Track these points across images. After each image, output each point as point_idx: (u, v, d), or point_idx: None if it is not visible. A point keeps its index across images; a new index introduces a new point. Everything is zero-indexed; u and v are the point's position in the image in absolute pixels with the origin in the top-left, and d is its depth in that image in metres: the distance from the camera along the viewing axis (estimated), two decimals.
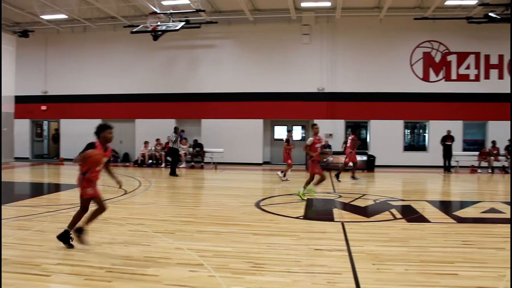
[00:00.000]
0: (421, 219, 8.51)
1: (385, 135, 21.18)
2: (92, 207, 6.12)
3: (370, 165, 19.23)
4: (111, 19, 21.12)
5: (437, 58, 21.36)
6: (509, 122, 20.86)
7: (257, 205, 9.88)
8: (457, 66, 21.34)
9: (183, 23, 18.51)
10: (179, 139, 16.61)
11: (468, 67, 21.32)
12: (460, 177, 17.38)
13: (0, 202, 8.26)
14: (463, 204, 10.61)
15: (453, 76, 21.36)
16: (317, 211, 9.95)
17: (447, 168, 18.96)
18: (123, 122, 22.71)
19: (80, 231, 5.94)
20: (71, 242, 6.01)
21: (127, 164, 21.57)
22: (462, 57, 21.30)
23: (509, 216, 8.87)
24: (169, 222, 7.99)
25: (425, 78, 21.35)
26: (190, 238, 6.78)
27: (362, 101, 21.31)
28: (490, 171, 19.19)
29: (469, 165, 19.80)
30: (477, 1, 18.17)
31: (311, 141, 10.76)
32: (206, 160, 20.68)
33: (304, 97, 21.48)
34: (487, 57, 21.27)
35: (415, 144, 22.51)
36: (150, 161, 20.66)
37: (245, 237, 6.81)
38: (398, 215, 8.83)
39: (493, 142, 20.02)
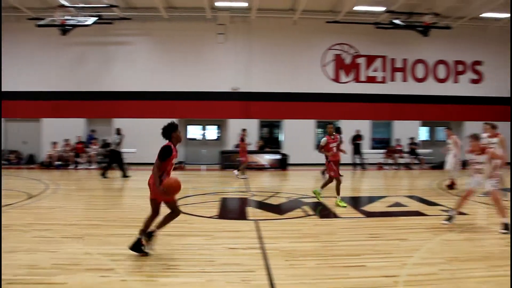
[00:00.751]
0: (332, 215, 8.81)
1: (298, 134, 21.74)
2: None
3: (283, 164, 19.62)
4: (14, 10, 19.61)
5: (348, 60, 22.28)
6: (411, 121, 22.36)
7: None
8: (366, 68, 22.42)
9: (94, 19, 17.75)
10: (119, 141, 15.59)
11: (376, 70, 22.49)
12: (368, 174, 18.25)
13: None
14: (371, 199, 11.11)
15: (362, 77, 22.41)
16: (231, 210, 9.96)
17: (357, 165, 19.87)
18: (28, 121, 21.31)
19: (150, 236, 5.73)
20: (144, 250, 5.71)
21: (32, 166, 20.12)
22: (370, 60, 22.42)
23: (411, 209, 9.46)
24: (77, 227, 7.55)
25: (336, 79, 22.21)
26: (100, 242, 6.48)
27: (276, 100, 21.67)
28: (395, 167, 20.38)
29: (376, 162, 20.86)
30: (384, 8, 19.21)
31: (325, 141, 10.13)
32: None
33: (219, 97, 21.42)
34: (393, 60, 22.59)
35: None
36: (58, 162, 19.48)
37: (157, 239, 6.62)
38: (310, 212, 9.05)
39: (398, 140, 21.35)
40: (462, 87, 23.15)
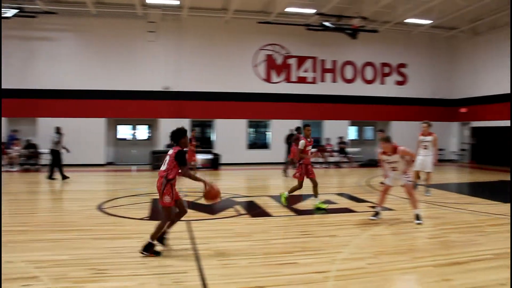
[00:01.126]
0: (264, 213, 8.86)
1: (230, 134, 21.74)
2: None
3: (214, 163, 19.51)
4: None
5: (279, 61, 22.59)
6: (340, 121, 23.01)
7: (100, 208, 9.32)
8: (297, 69, 22.84)
9: (15, 11, 16.77)
10: (58, 140, 14.67)
11: (306, 70, 22.97)
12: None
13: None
14: (302, 197, 11.29)
15: (293, 78, 22.81)
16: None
17: (291, 164, 20.14)
18: None
19: (161, 239, 5.92)
20: (156, 250, 5.76)
21: None
22: (301, 60, 22.86)
23: (341, 206, 9.72)
24: None
25: (268, 79, 22.44)
26: (23, 249, 6.06)
27: (208, 100, 21.54)
28: (325, 166, 20.90)
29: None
30: (314, 11, 19.64)
31: (303, 144, 9.44)
32: (43, 162, 18.89)
33: (150, 96, 20.95)
34: (323, 61, 23.18)
35: (258, 142, 23.46)
36: None
37: (86, 243, 6.34)
38: (242, 211, 9.06)
39: (328, 140, 21.93)
40: (388, 88, 24.21)
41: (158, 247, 5.85)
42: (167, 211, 5.90)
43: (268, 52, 22.45)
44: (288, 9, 19.93)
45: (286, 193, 9.69)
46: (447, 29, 23.63)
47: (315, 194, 9.46)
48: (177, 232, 7.08)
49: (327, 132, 22.89)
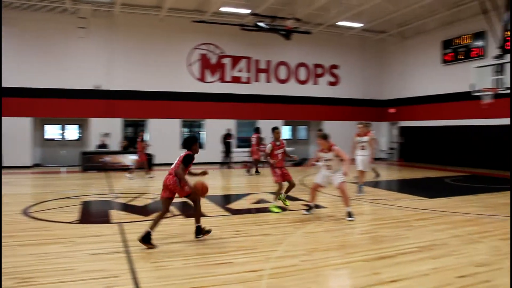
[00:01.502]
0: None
1: (164, 134, 21.38)
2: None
3: (148, 164, 18.97)
4: None
5: (213, 60, 22.52)
6: (274, 121, 23.23)
7: (25, 212, 8.85)
8: (231, 69, 22.88)
9: None
10: None
11: (241, 70, 23.07)
12: (234, 172, 18.61)
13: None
14: (237, 197, 11.33)
15: (228, 77, 22.84)
16: (93, 214, 9.42)
17: (227, 164, 20.20)
18: None
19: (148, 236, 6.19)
20: (205, 230, 6.59)
21: None
22: (235, 60, 22.93)
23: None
24: None
25: (202, 78, 22.31)
26: None
27: (141, 99, 21.10)
28: (259, 165, 21.02)
29: (242, 161, 21.36)
30: (249, 11, 19.73)
31: (270, 148, 9.39)
32: None
33: (80, 94, 20.17)
34: (257, 62, 23.37)
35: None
36: None
37: (10, 250, 5.96)
38: (176, 212, 8.94)
39: (262, 139, 22.02)
40: (321, 89, 24.84)
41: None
42: (194, 196, 6.73)
43: (203, 52, 22.33)
44: (222, 9, 19.92)
45: (274, 203, 9.40)
46: (377, 33, 24.61)
47: (286, 191, 9.48)
48: (108, 235, 6.89)
49: (262, 132, 23.03)
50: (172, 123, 21.76)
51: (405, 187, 13.95)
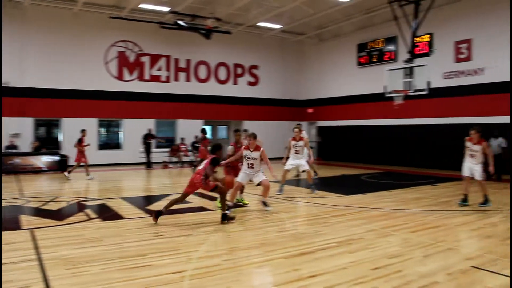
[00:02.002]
0: (117, 216, 8.55)
1: (79, 134, 20.24)
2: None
3: (62, 166, 18.10)
4: None
5: (132, 58, 21.93)
6: (195, 120, 23.13)
7: None
8: (150, 67, 22.42)
9: None
10: None
11: (160, 69, 22.67)
12: (154, 173, 18.26)
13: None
14: (156, 198, 11.13)
15: (146, 76, 22.35)
16: (2, 220, 8.82)
17: (148, 164, 19.77)
18: None
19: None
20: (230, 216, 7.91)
21: None
22: (155, 59, 22.49)
23: (195, 205, 9.80)
24: None
25: (120, 77, 21.65)
26: None
27: (55, 98, 20.02)
28: (180, 165, 20.86)
29: (161, 161, 21.05)
30: (168, 9, 19.43)
31: (232, 149, 9.62)
32: None
33: None
34: (176, 60, 23.09)
35: (110, 142, 22.49)
36: None
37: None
38: (93, 215, 8.62)
39: (182, 139, 21.91)
40: (241, 89, 25.05)
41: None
42: (220, 189, 7.87)
43: (121, 49, 21.67)
44: (142, 6, 19.49)
45: (239, 196, 9.71)
46: (295, 34, 25.25)
47: (241, 191, 9.76)
48: (18, 242, 6.48)
49: (181, 132, 22.86)
50: (88, 123, 20.72)
51: (323, 185, 14.43)
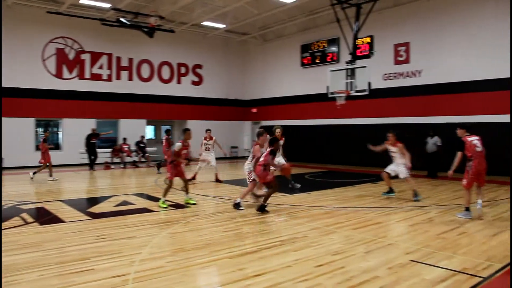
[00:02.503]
0: (56, 220, 8.23)
1: (15, 134, 19.41)
2: None
3: None
4: None
5: (71, 56, 21.20)
6: (138, 120, 22.73)
7: None
8: (91, 65, 21.77)
9: None
10: None
11: (101, 67, 22.06)
12: (96, 174, 17.74)
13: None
14: (98, 200, 10.85)
15: (87, 75, 21.68)
16: None
17: (91, 165, 19.18)
18: None
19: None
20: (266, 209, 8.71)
21: None
22: (96, 56, 21.86)
23: (139, 207, 9.63)
24: None
25: (58, 75, 20.87)
26: None
27: None
28: (122, 166, 20.39)
29: (103, 162, 20.50)
30: (110, 5, 18.92)
31: (180, 146, 9.64)
32: None
33: None
34: (118, 59, 22.55)
35: (50, 143, 21.59)
36: None
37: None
38: (30, 219, 8.25)
39: (124, 139, 21.41)
40: (185, 88, 24.84)
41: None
42: (276, 184, 8.92)
43: (60, 46, 20.88)
44: (82, 1, 18.91)
45: (163, 199, 9.58)
46: (240, 34, 25.34)
47: (186, 191, 9.92)
48: None
49: (124, 132, 22.35)
50: (25, 123, 19.93)
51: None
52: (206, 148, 14.26)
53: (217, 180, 14.34)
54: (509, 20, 14.95)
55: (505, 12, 15.47)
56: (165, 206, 9.42)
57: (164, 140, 16.77)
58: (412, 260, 5.52)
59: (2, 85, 19.09)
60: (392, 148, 10.52)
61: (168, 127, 25.96)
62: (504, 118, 15.22)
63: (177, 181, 9.98)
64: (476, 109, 16.31)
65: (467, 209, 8.25)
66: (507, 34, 15.36)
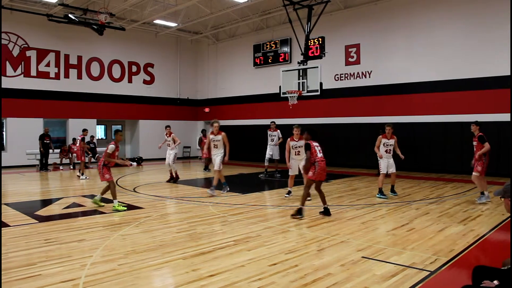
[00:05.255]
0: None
1: None
2: None
3: None
4: None
5: (15, 52, 20.36)
6: (88, 120, 22.12)
7: None
8: (37, 63, 20.98)
9: None
10: None
11: (48, 65, 21.30)
12: (44, 175, 17.13)
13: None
14: (46, 202, 10.49)
15: (33, 72, 20.88)
16: None
17: (45, 166, 18.51)
18: None
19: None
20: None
21: None
22: (42, 54, 21.09)
23: (89, 208, 9.37)
24: None
25: (2, 72, 19.98)
26: None
27: None
28: (71, 167, 19.78)
29: (52, 163, 19.82)
30: (57, 0, 18.28)
31: (112, 148, 9.37)
32: None
33: None
34: (67, 56, 21.85)
35: None
36: None
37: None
38: None
39: (74, 139, 20.72)
40: (136, 87, 24.39)
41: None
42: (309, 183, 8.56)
43: (3, 42, 19.99)
44: None
45: (116, 202, 9.26)
46: (192, 33, 25.16)
47: (103, 193, 9.63)
48: None
49: (73, 131, 21.67)
50: None
51: (220, 184, 14.56)
52: (168, 144, 14.49)
53: (172, 179, 14.15)
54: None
55: (449, 16, 16.15)
56: (124, 208, 9.16)
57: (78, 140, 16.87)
58: (363, 257, 5.64)
59: None
60: (389, 141, 10.75)
61: (118, 127, 25.43)
62: (444, 118, 15.91)
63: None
64: (419, 110, 16.96)
65: (483, 193, 9.80)
66: (450, 39, 16.07)
